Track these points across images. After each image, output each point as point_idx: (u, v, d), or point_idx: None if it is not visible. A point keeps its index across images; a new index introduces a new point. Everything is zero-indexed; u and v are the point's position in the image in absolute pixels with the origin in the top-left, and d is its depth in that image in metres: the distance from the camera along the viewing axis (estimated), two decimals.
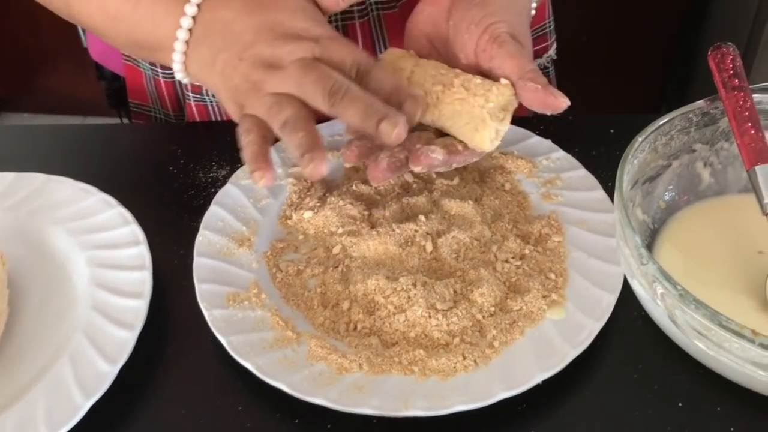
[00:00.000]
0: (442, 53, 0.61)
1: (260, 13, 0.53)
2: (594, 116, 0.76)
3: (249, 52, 0.53)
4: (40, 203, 0.65)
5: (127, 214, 0.63)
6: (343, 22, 0.72)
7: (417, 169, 0.54)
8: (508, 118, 0.56)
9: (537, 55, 0.82)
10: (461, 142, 0.56)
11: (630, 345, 0.55)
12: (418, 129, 0.58)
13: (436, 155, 0.54)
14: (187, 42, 0.56)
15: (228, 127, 0.79)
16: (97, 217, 0.63)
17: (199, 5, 0.55)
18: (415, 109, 0.53)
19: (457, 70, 0.57)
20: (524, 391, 0.50)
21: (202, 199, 0.68)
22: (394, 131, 0.50)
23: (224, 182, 0.69)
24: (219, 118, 0.79)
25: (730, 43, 0.60)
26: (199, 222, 0.64)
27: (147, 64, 0.81)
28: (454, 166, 0.57)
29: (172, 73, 0.79)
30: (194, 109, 0.79)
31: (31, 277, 0.61)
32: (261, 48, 0.52)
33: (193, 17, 0.55)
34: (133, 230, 0.62)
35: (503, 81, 0.55)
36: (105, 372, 0.52)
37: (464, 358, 0.52)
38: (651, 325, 0.55)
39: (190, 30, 0.55)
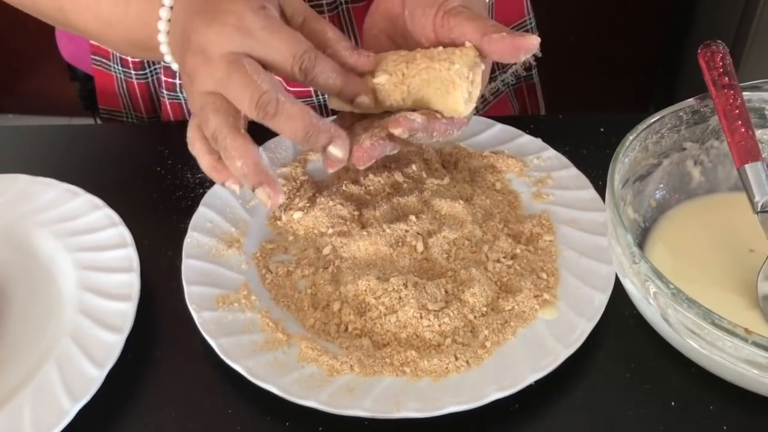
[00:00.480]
0: (403, 47, 0.59)
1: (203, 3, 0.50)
2: (583, 115, 0.76)
3: (185, 36, 0.50)
4: (25, 205, 0.64)
5: (115, 216, 0.62)
6: None
7: (397, 132, 0.50)
8: (478, 80, 0.53)
9: None
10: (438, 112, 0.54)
11: (622, 344, 0.55)
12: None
13: (415, 118, 0.51)
14: (169, 33, 0.55)
15: None
16: (83, 218, 0.62)
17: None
18: (370, 106, 0.52)
19: (418, 49, 0.55)
20: (517, 391, 0.50)
21: (190, 200, 0.67)
22: (341, 154, 0.49)
23: (213, 183, 0.68)
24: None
25: (719, 41, 0.60)
26: (187, 223, 0.64)
27: (119, 67, 0.80)
28: (436, 136, 0.53)
29: (144, 74, 0.79)
30: (168, 107, 0.78)
31: (16, 281, 0.60)
32: (194, 32, 0.49)
33: (171, 7, 0.54)
34: (121, 232, 0.61)
35: (467, 44, 0.53)
36: (93, 376, 0.51)
37: (456, 358, 0.51)
38: (643, 324, 0.55)
39: (169, 20, 0.54)
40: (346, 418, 0.50)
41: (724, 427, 0.50)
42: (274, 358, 0.52)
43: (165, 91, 0.77)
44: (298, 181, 0.66)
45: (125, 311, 0.55)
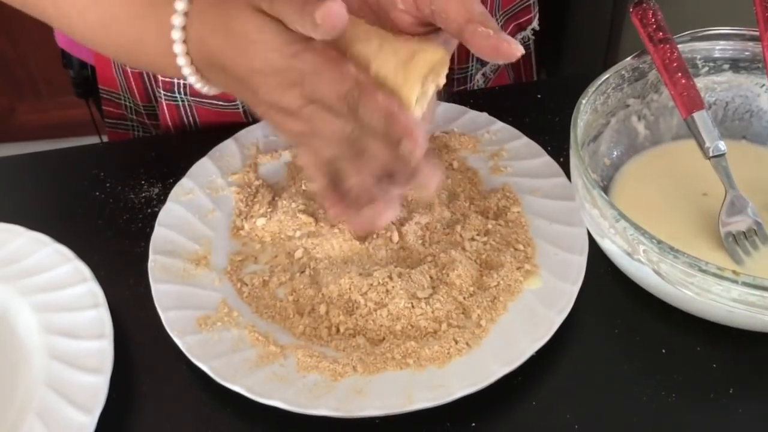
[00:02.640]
0: (374, 8, 0.58)
1: (238, 57, 0.48)
2: (518, 84, 0.77)
3: (256, 100, 0.49)
4: None
5: (65, 251, 0.58)
6: None
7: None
8: (439, 81, 0.51)
9: (521, 27, 0.82)
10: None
11: (605, 301, 0.57)
12: None
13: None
14: (195, 70, 0.51)
15: (151, 142, 0.75)
16: (31, 258, 0.58)
17: (183, 27, 0.49)
18: (412, 156, 0.47)
19: (382, 31, 0.51)
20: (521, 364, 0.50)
21: (139, 222, 0.64)
22: (433, 183, 0.48)
23: (160, 201, 0.65)
24: (192, 120, 0.75)
25: None
26: (143, 247, 0.61)
27: None
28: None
29: None
30: (165, 110, 0.74)
31: None
32: (263, 98, 0.48)
33: (187, 53, 0.50)
34: (76, 266, 0.57)
35: (438, 44, 0.50)
36: (82, 423, 0.48)
37: (456, 342, 0.51)
38: (621, 279, 0.57)
39: (192, 65, 0.50)
40: (358, 420, 0.49)
41: (714, 365, 0.53)
42: (273, 372, 0.51)
43: (162, 91, 0.73)
44: (253, 187, 0.64)
45: (102, 349, 0.52)
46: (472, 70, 0.79)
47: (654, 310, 0.55)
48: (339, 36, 0.48)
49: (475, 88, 0.81)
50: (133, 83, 0.77)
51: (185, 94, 0.73)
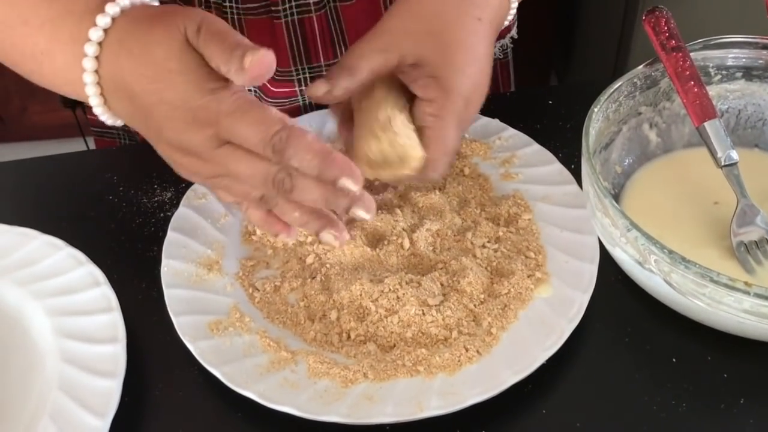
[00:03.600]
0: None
1: (150, 86, 0.45)
2: (529, 89, 0.77)
3: (160, 137, 0.47)
4: None
5: (79, 254, 0.59)
6: (299, 16, 0.69)
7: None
8: (398, 173, 0.52)
9: (501, 35, 0.82)
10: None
11: (615, 310, 0.57)
12: None
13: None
14: (102, 96, 0.48)
15: None
16: (45, 262, 0.59)
17: (97, 57, 0.47)
18: (356, 189, 0.46)
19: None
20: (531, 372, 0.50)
21: (152, 226, 0.64)
22: (369, 214, 0.48)
23: (172, 205, 0.65)
24: None
25: (662, 6, 0.62)
26: (155, 251, 0.61)
27: None
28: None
29: None
30: None
31: None
32: (167, 136, 0.46)
33: (96, 71, 0.47)
34: (90, 270, 0.58)
35: (417, 145, 0.52)
36: (95, 427, 0.49)
37: (467, 350, 0.52)
38: (632, 287, 0.57)
39: (98, 84, 0.48)
40: (368, 427, 0.49)
41: (725, 375, 0.53)
42: (284, 378, 0.51)
43: None
44: None
45: (115, 353, 0.52)
46: None
47: (665, 319, 0.55)
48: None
49: None
50: None
51: None
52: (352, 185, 0.45)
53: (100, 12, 0.46)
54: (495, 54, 0.83)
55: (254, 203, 0.49)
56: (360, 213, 0.47)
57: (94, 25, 0.46)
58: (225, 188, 0.48)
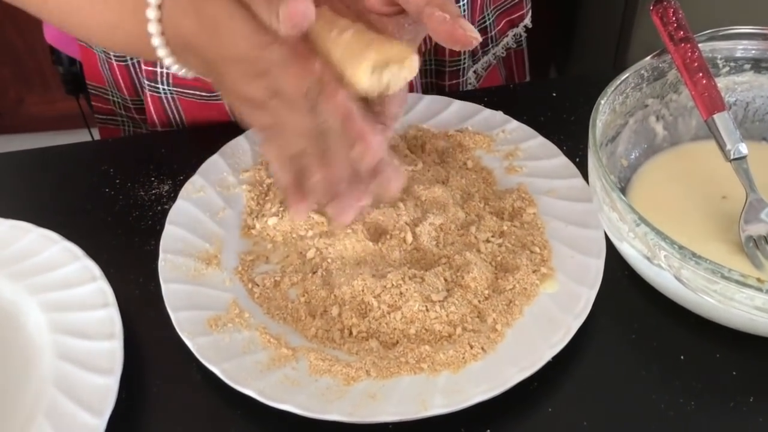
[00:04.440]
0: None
1: (209, 41, 0.48)
2: (533, 82, 0.76)
3: (223, 87, 0.49)
4: None
5: (75, 248, 0.58)
6: None
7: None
8: (399, 77, 0.47)
9: (513, 23, 0.81)
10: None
11: (622, 306, 0.56)
12: None
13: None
14: (170, 53, 0.50)
15: (161, 138, 0.74)
16: (40, 256, 0.57)
17: (160, 20, 0.49)
18: (363, 161, 0.46)
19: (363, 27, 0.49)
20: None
21: (149, 219, 0.63)
22: (394, 186, 0.48)
23: (170, 198, 0.64)
24: (176, 113, 0.74)
25: None
26: (153, 245, 0.60)
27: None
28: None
29: (123, 56, 0.74)
30: (150, 101, 0.73)
31: None
32: (229, 86, 0.48)
33: (162, 33, 0.49)
34: (86, 265, 0.57)
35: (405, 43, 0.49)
36: (92, 425, 0.48)
37: (471, 347, 0.51)
38: (638, 283, 0.56)
39: (166, 45, 0.50)
40: (370, 426, 0.48)
41: (734, 372, 0.52)
42: (284, 375, 0.50)
43: (146, 81, 0.72)
44: (264, 185, 0.63)
45: (112, 350, 0.51)
46: (464, 64, 0.78)
47: (672, 315, 0.54)
48: (303, 32, 0.48)
49: (468, 86, 0.80)
50: (119, 77, 0.76)
51: (167, 84, 0.71)
52: (361, 150, 0.45)
53: None
54: (508, 43, 0.82)
55: (289, 167, 0.49)
56: (383, 188, 0.47)
57: None
58: (275, 141, 0.48)
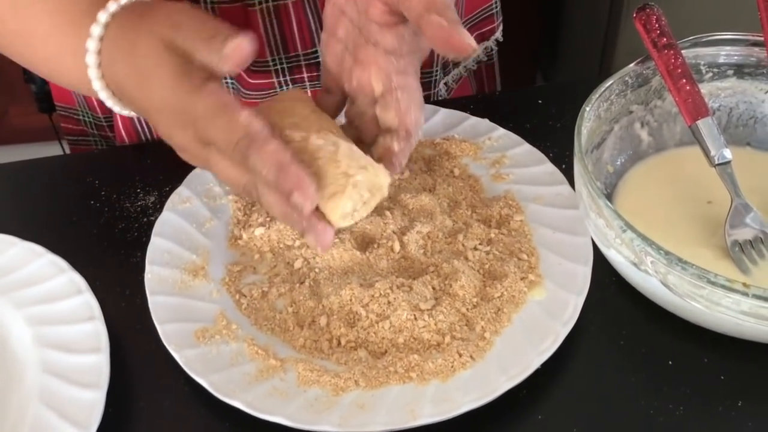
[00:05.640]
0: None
1: (138, 89, 0.48)
2: (518, 90, 0.76)
3: (159, 132, 0.49)
4: None
5: (60, 261, 0.57)
6: (275, 2, 0.67)
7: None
8: (371, 205, 0.50)
9: (484, 37, 0.81)
10: None
11: (610, 312, 0.56)
12: None
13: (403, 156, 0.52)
14: (102, 78, 0.51)
15: (146, 149, 0.74)
16: (25, 269, 0.57)
17: (99, 52, 0.50)
18: (303, 205, 0.45)
19: (348, 141, 0.51)
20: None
21: (135, 231, 0.63)
22: (321, 243, 0.48)
23: (156, 210, 0.64)
24: (145, 128, 0.73)
25: (653, 3, 0.61)
26: (139, 257, 0.60)
27: None
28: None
29: None
30: (119, 120, 0.72)
31: None
32: (161, 132, 0.48)
33: (99, 52, 0.49)
34: (71, 278, 0.56)
35: (383, 170, 0.50)
36: None
37: (460, 355, 0.50)
38: (626, 289, 0.56)
39: (99, 68, 0.50)
40: None
41: (722, 377, 0.52)
42: (273, 386, 0.50)
43: None
44: None
45: (98, 364, 0.51)
46: (435, 75, 0.78)
47: (660, 321, 0.54)
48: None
49: (438, 98, 0.79)
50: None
51: None
52: (301, 201, 0.44)
53: (101, 8, 0.49)
54: (479, 56, 0.82)
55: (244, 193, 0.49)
56: (310, 241, 0.47)
57: (95, 21, 0.49)
58: (220, 178, 0.49)
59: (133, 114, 0.53)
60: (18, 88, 1.90)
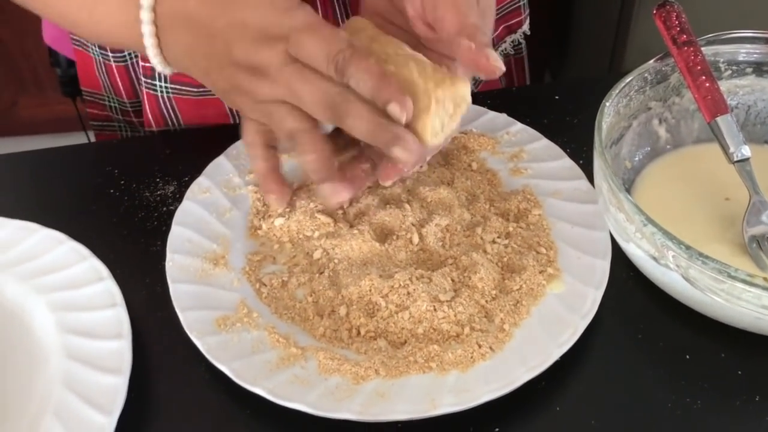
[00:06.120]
0: (396, 20, 0.57)
1: (220, 9, 0.48)
2: (536, 85, 0.77)
3: (226, 59, 0.48)
4: None
5: (82, 248, 0.58)
6: None
7: (388, 183, 0.52)
8: (458, 117, 0.52)
9: (511, 30, 0.81)
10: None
11: (627, 306, 0.56)
12: None
13: (403, 167, 0.51)
14: (156, 36, 0.50)
15: (164, 139, 0.74)
16: (46, 256, 0.57)
17: None
18: (399, 116, 0.47)
19: (418, 54, 0.54)
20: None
21: (155, 220, 0.63)
22: (406, 156, 0.47)
23: (175, 199, 0.64)
24: (172, 113, 0.74)
25: (673, 0, 0.62)
26: (159, 245, 0.60)
27: (97, 49, 0.74)
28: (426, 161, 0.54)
29: (123, 57, 0.74)
30: (146, 101, 0.73)
31: None
32: (237, 55, 0.48)
33: (153, 9, 0.49)
34: (93, 265, 0.57)
35: (461, 75, 0.52)
36: (101, 424, 0.48)
37: (479, 346, 0.51)
38: (643, 283, 0.56)
39: (154, 23, 0.50)
40: (380, 425, 0.48)
41: (739, 372, 0.52)
42: (294, 374, 0.50)
43: (144, 79, 0.72)
44: None
45: (120, 349, 0.51)
46: None
47: (678, 315, 0.55)
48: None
49: None
50: (117, 79, 0.75)
51: (165, 81, 0.71)
52: (398, 111, 0.46)
53: None
54: (506, 50, 0.82)
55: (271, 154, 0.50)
56: (397, 152, 0.47)
57: None
58: (279, 118, 0.49)
59: (167, 71, 0.53)
60: (28, 80, 1.91)
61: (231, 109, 0.72)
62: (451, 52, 0.50)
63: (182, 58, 0.51)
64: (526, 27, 0.81)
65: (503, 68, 0.49)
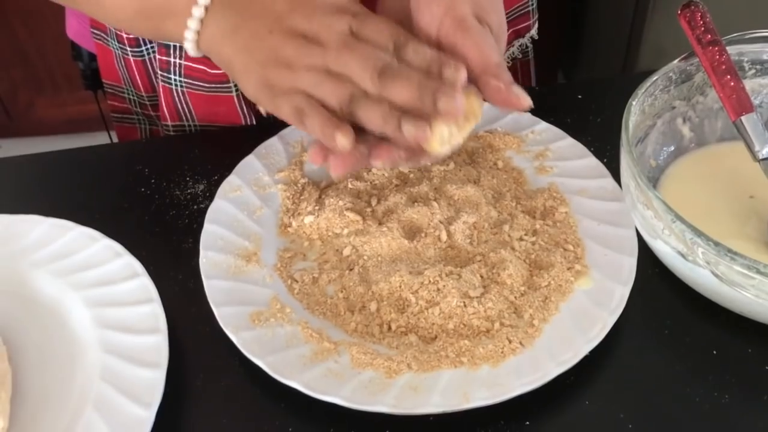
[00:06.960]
0: (412, 27, 0.59)
1: None
2: (559, 84, 0.77)
3: (282, 24, 0.50)
4: (13, 246, 0.59)
5: (116, 246, 0.59)
6: None
7: (378, 164, 0.52)
8: (466, 131, 0.52)
9: (519, 34, 0.82)
10: None
11: (654, 302, 0.57)
12: None
13: (398, 152, 0.51)
14: (206, 8, 0.52)
15: (192, 139, 0.75)
16: (82, 253, 0.59)
17: None
18: (456, 76, 0.49)
19: None
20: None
21: (186, 218, 0.64)
22: (453, 104, 0.48)
23: (205, 198, 0.65)
24: (185, 108, 0.75)
25: (698, 0, 0.62)
26: (190, 243, 0.61)
27: (115, 43, 0.76)
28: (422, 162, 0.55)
29: (140, 51, 0.75)
30: (162, 93, 0.74)
31: (23, 329, 0.55)
32: (297, 20, 0.50)
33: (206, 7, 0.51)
34: (128, 261, 0.58)
35: (474, 89, 0.52)
36: (141, 417, 0.49)
37: (510, 341, 0.52)
38: (670, 280, 0.57)
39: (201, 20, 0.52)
40: (412, 418, 0.49)
41: (766, 367, 0.53)
42: (328, 368, 0.51)
43: (159, 72, 0.73)
44: (299, 185, 0.64)
45: (157, 344, 0.52)
46: None
47: (704, 311, 0.55)
48: None
49: None
50: (135, 73, 0.77)
51: (179, 75, 0.72)
52: (452, 72, 0.49)
53: None
54: (514, 53, 0.83)
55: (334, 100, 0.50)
56: (443, 103, 0.48)
57: None
58: (315, 85, 0.50)
59: (199, 54, 0.54)
60: (45, 80, 1.93)
61: (242, 109, 0.73)
62: (479, 88, 0.52)
63: (221, 35, 0.52)
64: (534, 31, 0.82)
65: (530, 103, 0.51)
